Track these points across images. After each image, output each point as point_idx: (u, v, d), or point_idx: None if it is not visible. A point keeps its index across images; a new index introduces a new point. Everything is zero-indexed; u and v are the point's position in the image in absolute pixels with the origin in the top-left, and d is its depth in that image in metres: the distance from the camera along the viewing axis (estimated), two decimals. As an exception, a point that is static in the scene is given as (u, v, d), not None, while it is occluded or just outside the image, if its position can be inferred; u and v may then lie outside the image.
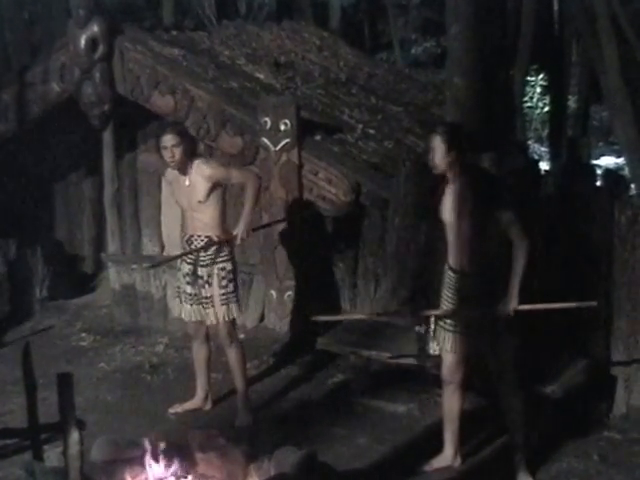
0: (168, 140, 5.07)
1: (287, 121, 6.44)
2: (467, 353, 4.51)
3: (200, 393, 5.58)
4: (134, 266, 7.36)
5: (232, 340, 5.36)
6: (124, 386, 6.02)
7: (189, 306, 5.34)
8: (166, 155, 5.10)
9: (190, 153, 5.16)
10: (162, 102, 7.09)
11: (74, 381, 3.31)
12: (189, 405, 5.56)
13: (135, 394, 5.89)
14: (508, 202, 4.26)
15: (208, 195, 5.13)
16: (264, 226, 6.26)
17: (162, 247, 7.57)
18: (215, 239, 5.19)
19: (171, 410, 5.53)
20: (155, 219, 7.63)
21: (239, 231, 5.22)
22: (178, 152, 5.07)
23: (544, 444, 4.83)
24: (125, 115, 7.42)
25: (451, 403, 4.63)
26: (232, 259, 5.28)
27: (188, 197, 5.18)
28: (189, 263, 5.27)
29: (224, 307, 5.24)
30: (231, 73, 7.53)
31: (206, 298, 5.25)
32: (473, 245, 4.31)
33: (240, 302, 5.42)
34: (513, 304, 4.30)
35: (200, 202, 5.13)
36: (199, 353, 5.55)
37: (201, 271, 5.23)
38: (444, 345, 4.55)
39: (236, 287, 5.33)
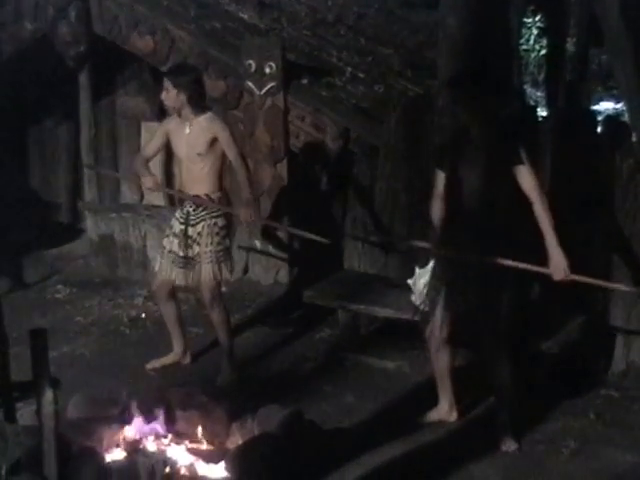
0: (166, 81, 5.05)
1: (272, 64, 6.32)
2: (458, 309, 4.40)
3: (177, 348, 5.45)
4: (113, 215, 7.24)
5: (216, 304, 5.18)
6: (102, 340, 5.91)
7: (177, 268, 5.16)
8: (162, 95, 5.08)
9: (194, 102, 5.01)
10: (141, 43, 6.95)
11: (49, 335, 3.18)
12: (166, 360, 5.43)
13: (113, 348, 5.79)
14: (525, 157, 4.18)
15: (207, 149, 5.01)
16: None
17: (142, 195, 7.38)
18: (205, 197, 5.05)
19: (148, 366, 5.40)
20: (134, 166, 7.43)
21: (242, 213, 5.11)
22: (172, 96, 4.99)
23: (539, 402, 4.75)
24: (102, 56, 7.23)
25: (438, 359, 4.58)
26: (224, 215, 5.12)
27: (187, 147, 5.08)
28: (181, 223, 5.12)
29: (213, 265, 5.07)
30: (214, 13, 7.37)
31: (192, 258, 5.09)
32: (483, 196, 4.23)
33: (232, 261, 5.24)
34: (563, 265, 4.13)
35: (199, 154, 5.02)
36: (168, 311, 5.39)
37: (191, 230, 5.09)
38: (437, 300, 4.43)
39: (229, 245, 5.17)
